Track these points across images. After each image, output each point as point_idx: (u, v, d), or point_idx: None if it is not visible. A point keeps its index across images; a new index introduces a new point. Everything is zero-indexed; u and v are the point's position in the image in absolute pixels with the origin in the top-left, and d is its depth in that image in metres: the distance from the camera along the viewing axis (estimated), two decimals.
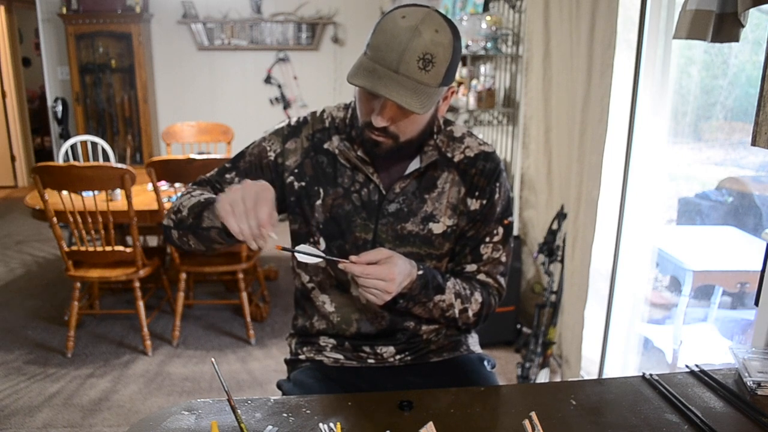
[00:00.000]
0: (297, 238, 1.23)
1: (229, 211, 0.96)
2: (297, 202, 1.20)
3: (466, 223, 1.20)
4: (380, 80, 0.98)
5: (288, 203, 1.21)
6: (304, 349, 1.31)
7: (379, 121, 1.05)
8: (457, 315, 1.18)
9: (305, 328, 1.31)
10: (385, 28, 1.00)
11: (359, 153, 1.16)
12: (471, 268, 1.22)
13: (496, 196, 1.19)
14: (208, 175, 1.24)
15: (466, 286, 1.19)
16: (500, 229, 1.21)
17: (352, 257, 1.02)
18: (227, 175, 1.21)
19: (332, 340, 1.27)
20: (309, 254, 1.03)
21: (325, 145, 1.19)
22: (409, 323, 1.24)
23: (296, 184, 1.19)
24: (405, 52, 0.97)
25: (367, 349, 1.26)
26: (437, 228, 1.18)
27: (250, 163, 1.21)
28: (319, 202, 1.18)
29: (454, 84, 1.13)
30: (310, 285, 1.27)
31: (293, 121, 1.23)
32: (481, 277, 1.22)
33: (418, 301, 1.13)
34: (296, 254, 1.03)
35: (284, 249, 1.02)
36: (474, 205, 1.19)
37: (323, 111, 1.24)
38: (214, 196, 1.12)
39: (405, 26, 0.98)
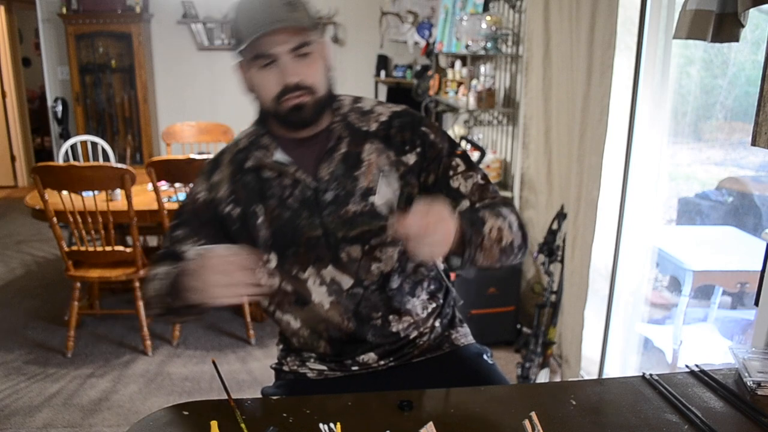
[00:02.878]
0: None
1: (214, 297, 0.95)
2: (241, 227, 1.19)
3: (418, 177, 1.18)
4: (264, 25, 1.05)
5: (232, 232, 1.19)
6: (288, 359, 1.29)
7: (291, 77, 1.09)
8: (508, 236, 1.10)
9: (287, 340, 1.30)
10: (240, 8, 1.09)
11: (276, 157, 1.17)
12: (464, 205, 1.17)
13: (430, 137, 1.19)
14: (161, 251, 1.21)
15: (486, 205, 1.15)
16: (458, 160, 1.19)
17: (400, 221, 0.94)
18: (176, 233, 1.20)
19: (312, 354, 1.26)
20: None
21: (246, 165, 1.20)
22: (376, 320, 1.21)
23: (233, 211, 1.19)
24: (269, 6, 1.06)
25: (348, 361, 1.23)
26: (378, 199, 1.16)
27: (190, 212, 1.21)
28: (260, 221, 1.17)
29: (325, 38, 1.19)
30: (271, 308, 1.25)
31: (215, 156, 1.26)
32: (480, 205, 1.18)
33: (477, 243, 1.04)
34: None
35: None
36: (411, 159, 1.18)
37: (237, 137, 1.27)
38: (163, 281, 1.08)
39: None
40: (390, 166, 1.17)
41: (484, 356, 1.29)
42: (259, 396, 1.19)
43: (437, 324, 1.28)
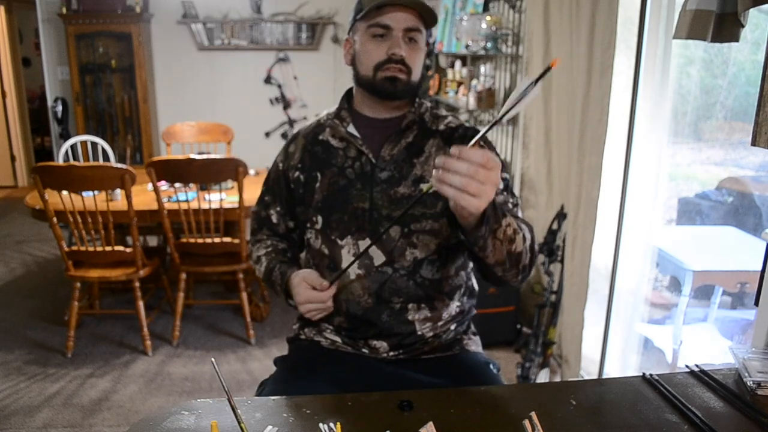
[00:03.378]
0: (302, 227, 1.35)
1: (308, 314, 1.25)
2: (303, 192, 1.31)
3: None
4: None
5: (297, 197, 1.33)
6: (306, 329, 1.37)
7: (399, 50, 1.18)
8: (517, 242, 1.08)
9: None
10: None
11: (348, 129, 1.29)
12: None
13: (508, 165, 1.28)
14: (255, 207, 1.45)
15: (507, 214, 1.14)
16: (501, 183, 1.20)
17: (453, 151, 0.89)
18: (265, 198, 1.42)
19: (329, 325, 1.32)
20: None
21: (320, 137, 1.32)
22: (395, 304, 1.25)
23: (300, 176, 1.32)
24: None
25: (360, 341, 1.29)
26: (426, 187, 1.17)
27: (272, 180, 1.39)
28: (318, 184, 1.29)
29: (431, 39, 1.29)
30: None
31: (296, 132, 1.39)
32: None
33: (493, 227, 1.02)
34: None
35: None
36: None
37: (318, 115, 1.38)
38: (268, 262, 1.36)
39: None
40: None
41: (491, 366, 1.31)
42: (259, 396, 1.20)
43: (452, 327, 1.32)
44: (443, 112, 1.34)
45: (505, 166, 1.27)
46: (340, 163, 1.27)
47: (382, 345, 1.27)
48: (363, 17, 1.21)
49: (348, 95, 1.34)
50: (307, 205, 1.30)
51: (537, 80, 0.87)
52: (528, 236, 1.14)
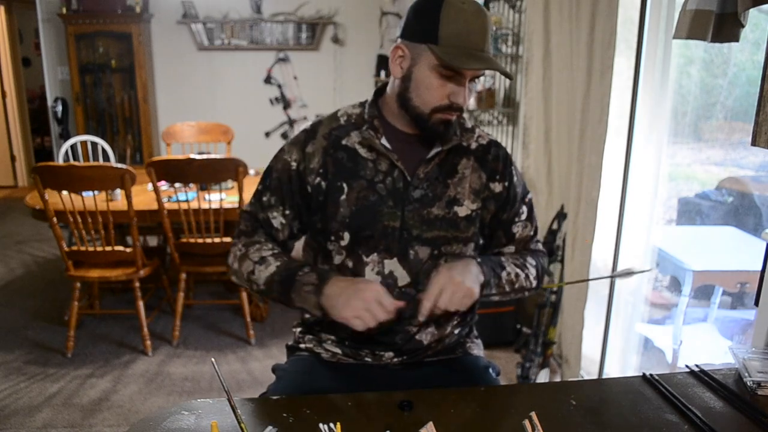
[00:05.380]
0: (318, 237, 1.26)
1: (353, 317, 1.07)
2: (324, 201, 1.22)
3: (495, 206, 1.27)
4: (481, 61, 1.09)
5: (314, 204, 1.23)
6: (306, 338, 1.33)
7: (463, 100, 1.13)
8: (523, 283, 1.26)
9: (311, 321, 1.33)
10: (457, 17, 1.08)
11: (383, 141, 1.20)
12: (509, 249, 1.32)
13: (515, 178, 1.28)
14: (248, 208, 1.29)
15: (516, 256, 1.30)
16: (524, 208, 1.31)
17: (423, 303, 1.10)
18: (263, 198, 1.26)
19: (332, 336, 1.28)
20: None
21: (343, 141, 1.22)
22: (412, 327, 1.23)
23: (322, 182, 1.22)
24: (485, 33, 1.10)
25: (364, 351, 1.26)
26: (462, 211, 1.23)
27: (279, 180, 1.25)
28: (343, 197, 1.20)
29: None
30: None
31: (308, 126, 1.27)
32: (510, 250, 1.34)
33: (494, 284, 1.20)
34: None
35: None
36: (498, 188, 1.27)
37: (337, 111, 1.27)
38: (283, 263, 1.19)
39: (474, 10, 1.09)
40: (480, 186, 1.25)
41: (490, 369, 1.32)
42: (259, 396, 1.19)
43: (456, 331, 1.32)
44: (468, 123, 1.29)
45: (526, 189, 1.33)
46: (370, 176, 1.20)
47: (387, 354, 1.26)
48: (440, 56, 1.09)
49: (375, 99, 1.25)
50: (329, 216, 1.21)
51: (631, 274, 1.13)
52: (533, 271, 1.29)
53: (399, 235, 1.19)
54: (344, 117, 1.25)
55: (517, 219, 1.30)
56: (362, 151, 1.21)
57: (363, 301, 1.06)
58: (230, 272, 1.27)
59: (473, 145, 1.26)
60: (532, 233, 1.33)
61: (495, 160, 1.27)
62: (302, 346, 1.33)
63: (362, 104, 1.26)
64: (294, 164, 1.23)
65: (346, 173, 1.20)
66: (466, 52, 1.08)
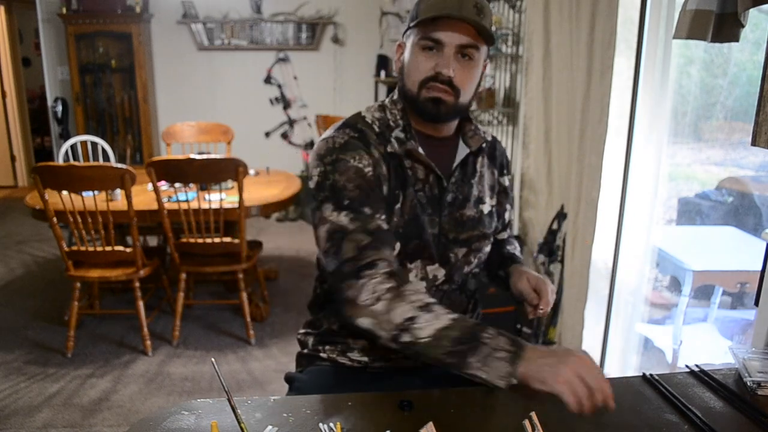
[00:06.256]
0: None
1: (568, 391, 0.88)
2: (388, 207, 1.16)
3: (503, 198, 1.35)
4: (451, 16, 1.06)
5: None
6: (327, 347, 1.27)
7: (447, 69, 1.08)
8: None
9: (331, 330, 1.27)
10: None
11: (419, 149, 1.17)
12: (503, 236, 1.41)
13: (512, 171, 1.38)
14: (349, 227, 1.07)
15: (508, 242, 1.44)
16: (511, 194, 1.40)
17: (544, 309, 1.28)
18: (364, 209, 1.09)
19: (362, 341, 1.23)
20: None
21: (389, 148, 1.16)
22: None
23: (386, 189, 1.15)
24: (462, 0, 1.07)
25: (393, 358, 1.23)
26: (485, 208, 1.27)
27: (359, 188, 1.10)
28: (398, 206, 1.15)
29: (487, 59, 1.19)
30: None
31: (352, 132, 1.15)
32: (504, 236, 1.42)
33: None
34: None
35: None
36: (506, 181, 1.35)
37: (364, 117, 1.20)
38: (456, 316, 1.00)
39: None
40: (493, 182, 1.31)
41: None
42: (259, 396, 1.19)
43: None
44: (471, 124, 1.29)
45: (509, 166, 1.38)
46: (412, 184, 1.17)
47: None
48: (416, 25, 1.10)
49: (395, 102, 1.21)
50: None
51: None
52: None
53: (437, 240, 1.20)
54: (376, 123, 1.18)
55: (507, 206, 1.38)
56: (405, 160, 1.17)
57: (573, 373, 0.89)
58: (357, 312, 1.03)
59: (483, 144, 1.29)
60: (507, 215, 1.40)
61: (501, 155, 1.33)
62: (323, 355, 1.27)
63: (381, 108, 1.21)
64: (369, 169, 1.12)
65: (400, 182, 1.15)
66: (437, 9, 1.07)
